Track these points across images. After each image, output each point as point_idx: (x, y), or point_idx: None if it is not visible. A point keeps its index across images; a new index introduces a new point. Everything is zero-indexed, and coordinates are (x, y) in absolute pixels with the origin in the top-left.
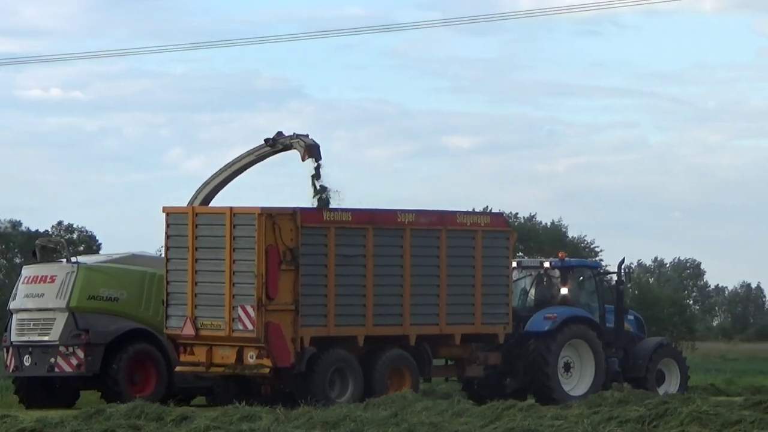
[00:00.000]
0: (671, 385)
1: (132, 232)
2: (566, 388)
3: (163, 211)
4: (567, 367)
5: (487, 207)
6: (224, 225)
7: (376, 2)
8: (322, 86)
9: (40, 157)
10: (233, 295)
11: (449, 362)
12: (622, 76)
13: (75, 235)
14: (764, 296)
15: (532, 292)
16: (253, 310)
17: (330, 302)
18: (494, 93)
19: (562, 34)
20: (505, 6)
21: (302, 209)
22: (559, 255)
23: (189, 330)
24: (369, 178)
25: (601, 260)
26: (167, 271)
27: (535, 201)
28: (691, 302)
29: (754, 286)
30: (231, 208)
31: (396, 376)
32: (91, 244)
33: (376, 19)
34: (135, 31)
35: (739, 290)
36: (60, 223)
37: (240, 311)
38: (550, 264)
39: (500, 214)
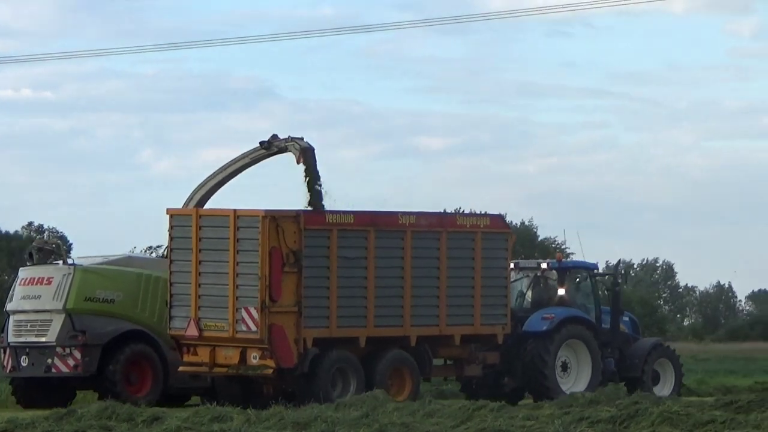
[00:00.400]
0: (666, 385)
1: (103, 232)
2: (564, 387)
3: (167, 213)
4: (564, 367)
5: (459, 208)
6: (228, 227)
7: (347, 3)
8: (293, 86)
9: (10, 157)
10: (237, 297)
11: (448, 362)
12: (594, 76)
13: (45, 236)
14: (735, 296)
15: (529, 293)
16: (257, 311)
17: (332, 304)
18: (466, 93)
19: (534, 35)
20: (477, 7)
21: (305, 212)
22: (557, 256)
23: (192, 331)
24: (340, 179)
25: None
26: (171, 273)
27: (506, 202)
28: (662, 302)
29: (726, 286)
30: (235, 210)
31: (397, 377)
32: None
33: (347, 19)
34: (106, 32)
35: (711, 291)
36: (30, 223)
37: (243, 312)
38: (548, 265)
39: (500, 216)
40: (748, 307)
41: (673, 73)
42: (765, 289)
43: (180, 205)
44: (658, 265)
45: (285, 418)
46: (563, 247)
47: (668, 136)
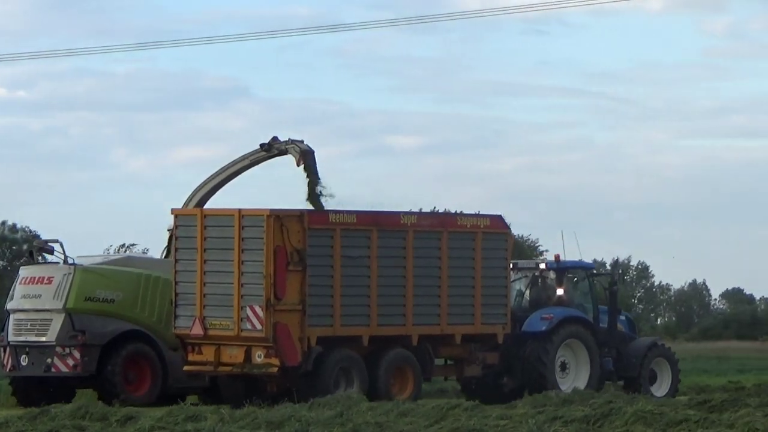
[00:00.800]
0: (663, 385)
1: (77, 231)
2: (563, 387)
3: (172, 213)
4: (563, 367)
5: (434, 207)
6: (233, 227)
7: (321, 2)
8: (267, 86)
9: None
10: (242, 296)
11: (448, 362)
12: (569, 75)
13: (19, 236)
14: (710, 295)
15: (528, 293)
16: (262, 310)
17: (336, 302)
18: (440, 92)
19: (509, 34)
20: (452, 6)
21: (309, 211)
22: (555, 257)
23: (198, 330)
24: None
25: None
26: (176, 272)
27: (481, 201)
28: (636, 302)
29: (700, 284)
30: (239, 210)
31: (399, 376)
32: None
33: (322, 18)
34: (80, 31)
35: (686, 288)
36: (4, 223)
37: (248, 311)
38: (546, 265)
39: (499, 217)
40: (722, 306)
41: (648, 72)
42: (739, 288)
43: (152, 205)
44: (632, 264)
45: (259, 417)
46: (537, 245)
47: (643, 135)
